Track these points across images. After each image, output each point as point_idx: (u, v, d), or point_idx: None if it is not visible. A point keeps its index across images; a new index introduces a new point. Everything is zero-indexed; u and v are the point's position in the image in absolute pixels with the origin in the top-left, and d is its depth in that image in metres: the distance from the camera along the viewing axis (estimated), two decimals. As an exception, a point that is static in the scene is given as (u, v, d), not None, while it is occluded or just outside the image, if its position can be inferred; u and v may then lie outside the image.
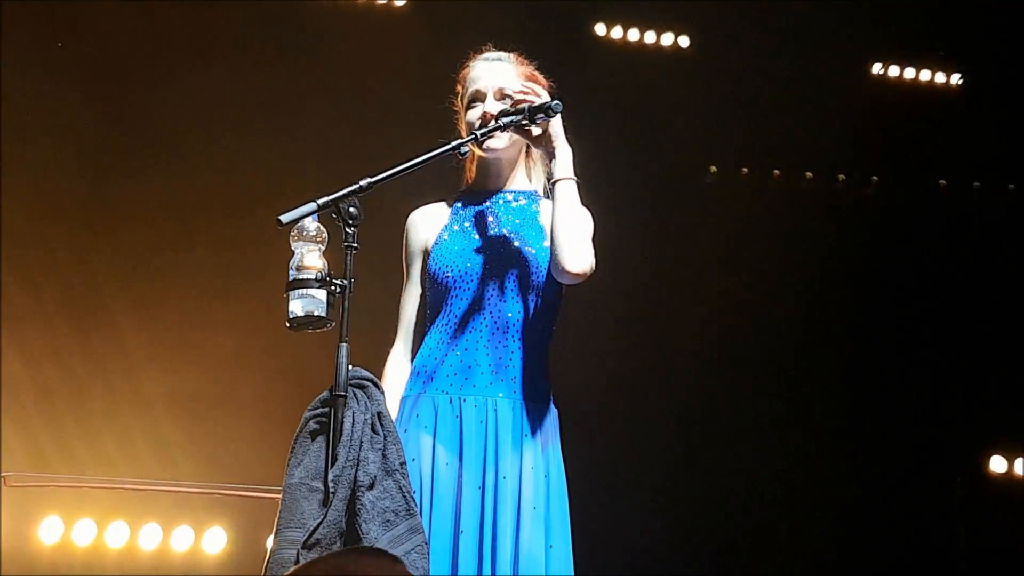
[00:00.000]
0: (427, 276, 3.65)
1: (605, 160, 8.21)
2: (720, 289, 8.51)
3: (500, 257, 3.60)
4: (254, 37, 7.88)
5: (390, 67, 7.71)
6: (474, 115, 3.66)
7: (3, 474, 6.73)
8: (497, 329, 3.56)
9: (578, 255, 3.50)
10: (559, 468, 3.58)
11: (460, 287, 3.58)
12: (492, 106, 3.64)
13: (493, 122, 3.55)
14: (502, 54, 3.77)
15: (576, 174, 3.58)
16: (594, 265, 3.54)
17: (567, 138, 3.59)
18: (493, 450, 3.49)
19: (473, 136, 3.50)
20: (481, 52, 3.79)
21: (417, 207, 3.80)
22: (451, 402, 3.52)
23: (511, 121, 3.50)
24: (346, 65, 7.96)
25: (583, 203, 3.63)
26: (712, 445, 8.41)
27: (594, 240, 3.62)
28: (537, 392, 3.59)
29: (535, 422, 3.56)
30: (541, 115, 3.47)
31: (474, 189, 3.76)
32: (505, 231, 3.65)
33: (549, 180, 3.62)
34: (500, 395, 3.52)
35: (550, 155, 3.58)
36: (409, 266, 3.73)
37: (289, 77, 7.92)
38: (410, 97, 6.92)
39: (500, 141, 3.64)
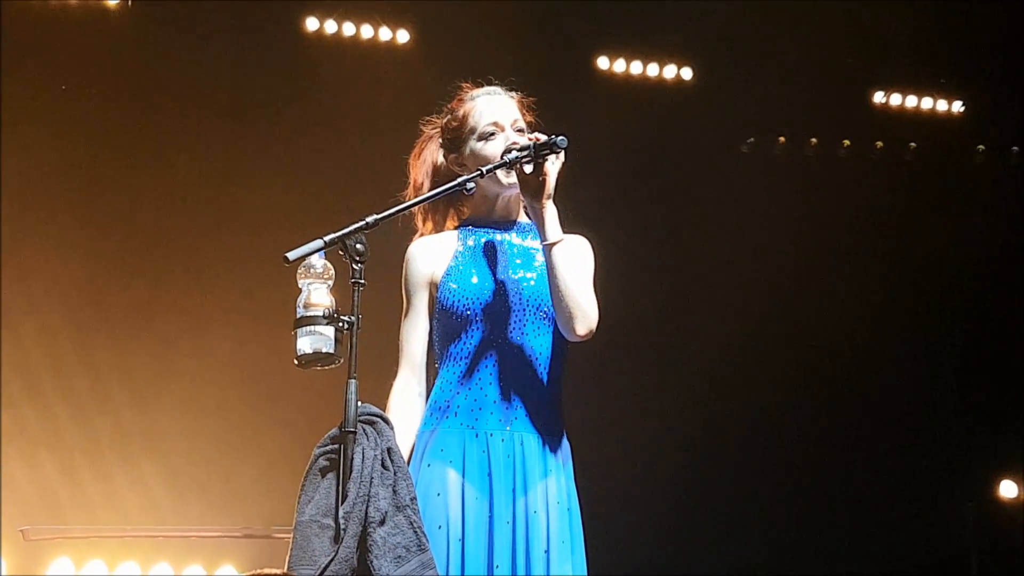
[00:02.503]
0: (438, 309, 3.61)
1: (608, 195, 8.27)
2: (726, 323, 8.54)
3: (515, 288, 3.59)
4: (259, 75, 7.94)
5: (395, 103, 7.73)
6: (496, 148, 3.61)
7: (21, 528, 6.73)
8: (516, 363, 3.55)
9: (583, 318, 3.50)
10: (576, 502, 3.59)
11: (476, 320, 3.56)
12: (515, 137, 3.61)
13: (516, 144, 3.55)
14: (495, 88, 3.74)
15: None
16: (598, 317, 3.53)
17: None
18: (522, 485, 3.49)
19: (480, 172, 3.45)
20: (478, 86, 3.76)
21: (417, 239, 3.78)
22: (477, 436, 3.51)
23: (516, 158, 3.48)
24: (352, 102, 8.01)
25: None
26: (718, 465, 8.44)
27: (598, 275, 3.63)
28: (556, 426, 3.59)
29: (556, 456, 3.56)
30: (546, 151, 3.44)
31: (479, 221, 3.73)
32: (519, 264, 3.64)
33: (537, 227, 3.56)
34: (525, 430, 3.52)
35: (534, 201, 3.51)
36: (412, 297, 3.67)
37: (295, 116, 7.97)
38: (415, 133, 6.96)
39: (515, 177, 3.60)
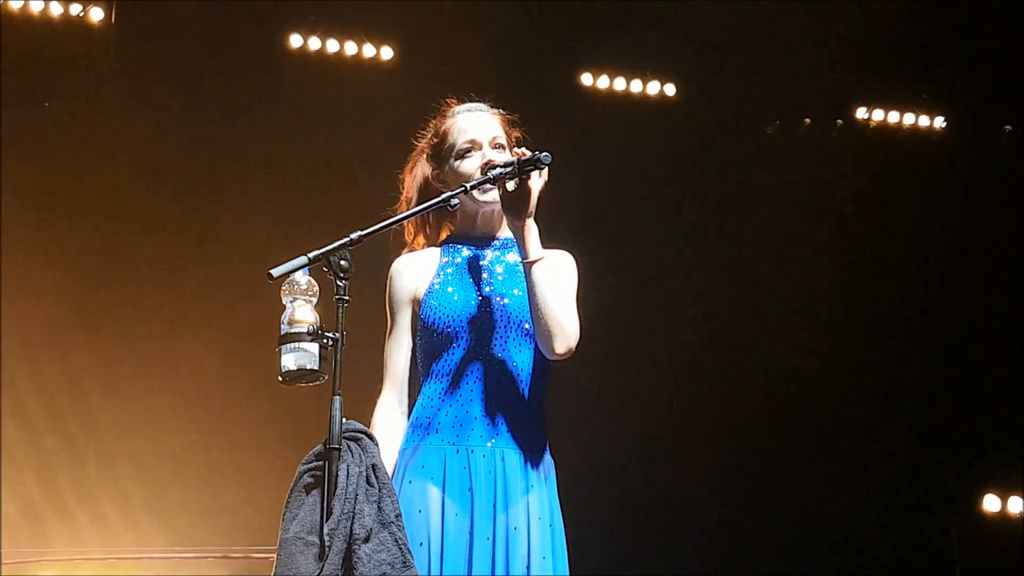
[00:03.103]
0: (421, 325, 3.61)
1: (592, 208, 8.29)
2: (713, 333, 8.56)
3: (497, 305, 3.59)
4: (244, 92, 7.95)
5: (379, 120, 7.76)
6: (471, 165, 3.62)
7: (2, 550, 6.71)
8: (499, 379, 3.55)
9: (562, 337, 3.50)
10: (560, 518, 3.57)
11: (459, 336, 3.56)
12: (492, 154, 3.62)
13: (480, 174, 3.55)
14: (478, 104, 3.75)
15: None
16: (578, 335, 3.54)
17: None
18: (503, 501, 3.48)
19: (463, 188, 3.46)
20: (459, 103, 3.76)
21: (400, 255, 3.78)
22: (458, 453, 3.51)
23: (500, 173, 3.47)
24: (336, 119, 8.03)
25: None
26: (700, 479, 8.46)
27: (583, 290, 3.64)
28: (539, 442, 3.59)
29: (538, 472, 3.55)
30: (531, 167, 3.43)
31: (461, 237, 3.73)
32: (501, 280, 3.64)
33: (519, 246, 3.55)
34: (506, 446, 3.52)
35: (515, 219, 3.51)
36: (396, 314, 3.67)
37: (277, 132, 7.99)
38: (399, 149, 6.95)
39: (495, 194, 3.61)
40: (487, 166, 3.57)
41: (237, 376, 7.46)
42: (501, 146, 3.66)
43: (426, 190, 3.74)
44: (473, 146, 3.65)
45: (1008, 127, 8.97)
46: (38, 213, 7.57)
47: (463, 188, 3.47)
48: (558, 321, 3.50)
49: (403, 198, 3.80)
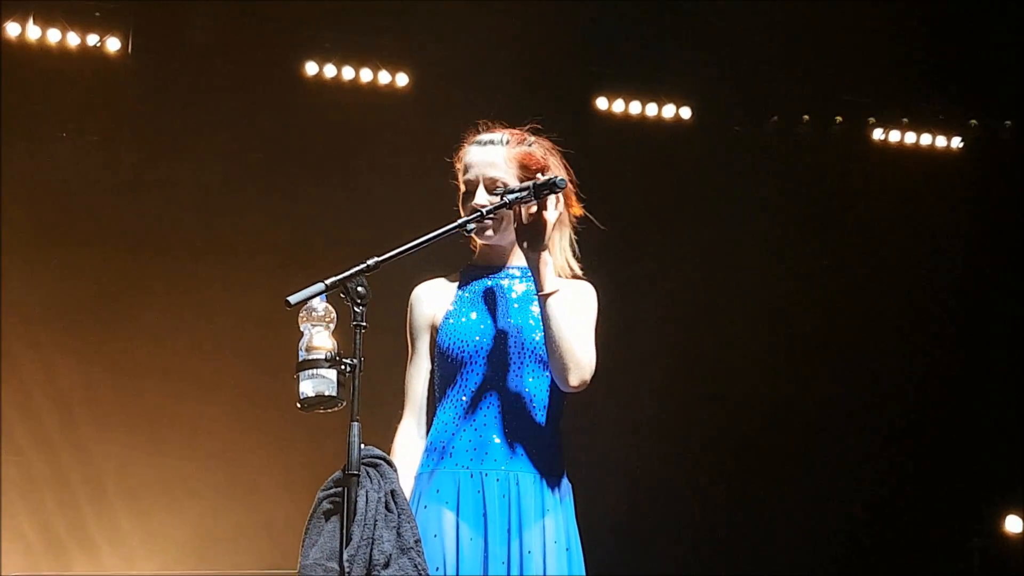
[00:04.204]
0: (437, 352, 3.63)
1: (608, 232, 8.28)
2: (728, 354, 8.55)
3: (512, 333, 3.60)
4: (259, 120, 7.97)
5: (396, 146, 7.79)
6: (469, 203, 3.60)
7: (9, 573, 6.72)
8: (513, 404, 3.55)
9: (576, 370, 3.50)
10: (577, 541, 3.58)
11: (474, 362, 3.57)
12: (482, 199, 3.58)
13: (499, 199, 3.53)
14: (494, 135, 3.69)
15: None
16: (594, 367, 3.53)
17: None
18: (517, 525, 3.48)
19: (461, 224, 3.43)
20: (477, 131, 3.74)
21: (421, 282, 3.79)
22: (472, 477, 3.51)
23: (517, 198, 3.46)
24: (352, 145, 8.05)
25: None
26: (714, 492, 8.44)
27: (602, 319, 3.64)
28: (555, 465, 3.59)
29: (554, 496, 3.56)
30: (546, 191, 3.43)
31: (479, 264, 3.74)
32: (515, 307, 3.64)
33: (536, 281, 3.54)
34: (520, 470, 3.53)
35: (530, 250, 3.51)
36: (415, 340, 3.70)
37: (295, 159, 8.01)
38: (416, 175, 6.99)
39: (491, 232, 3.61)
40: (473, 211, 3.53)
41: (257, 403, 7.47)
42: (500, 186, 3.58)
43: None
44: (468, 187, 3.65)
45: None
46: (53, 240, 7.61)
47: (480, 214, 3.48)
48: (573, 354, 3.49)
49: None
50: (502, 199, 3.51)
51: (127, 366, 7.66)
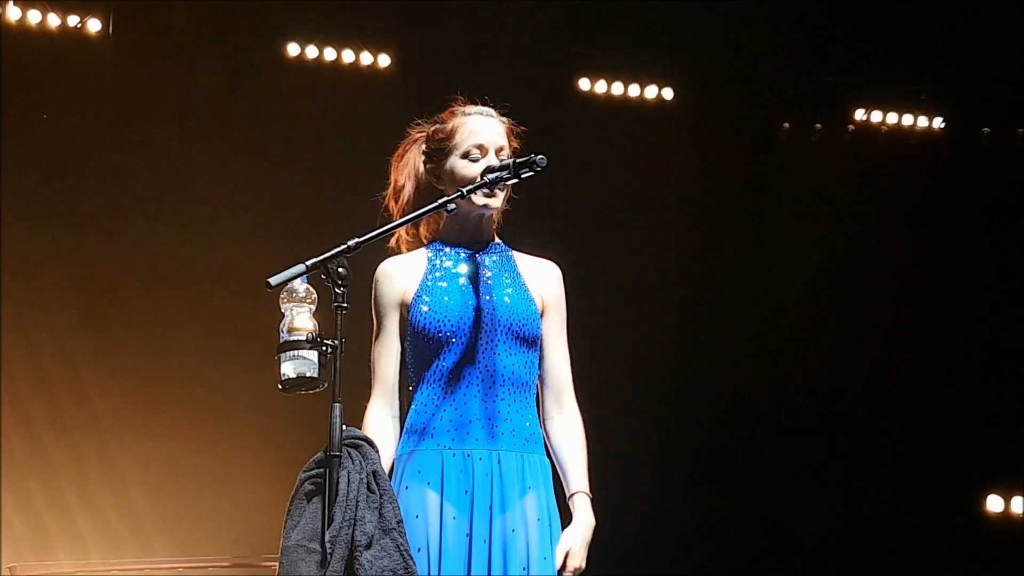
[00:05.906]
0: (410, 331, 3.59)
1: (589, 212, 8.29)
2: (719, 337, 8.57)
3: (487, 310, 3.58)
4: (241, 101, 7.96)
5: (376, 128, 7.75)
6: (474, 169, 3.59)
7: (9, 565, 6.70)
8: (493, 382, 3.55)
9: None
10: (557, 518, 3.58)
11: (452, 342, 3.55)
12: (495, 162, 3.59)
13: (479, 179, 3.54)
14: (492, 111, 3.72)
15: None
16: (576, 407, 3.70)
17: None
18: (500, 503, 3.49)
19: (460, 192, 3.46)
20: (472, 104, 3.73)
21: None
22: (455, 456, 3.51)
23: (497, 177, 3.49)
24: (334, 126, 8.03)
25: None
26: (701, 478, 8.47)
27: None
28: (535, 443, 3.60)
29: (535, 473, 3.56)
30: (526, 170, 3.44)
31: (450, 240, 3.70)
32: (491, 285, 3.63)
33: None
34: (502, 448, 3.53)
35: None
36: (383, 318, 3.63)
37: (276, 140, 7.99)
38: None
39: (499, 200, 3.62)
40: (488, 170, 3.56)
41: (237, 385, 7.47)
42: (502, 157, 3.63)
43: (417, 183, 3.73)
44: (480, 151, 3.63)
45: (987, 129, 8.99)
46: (37, 221, 7.58)
47: (460, 193, 3.48)
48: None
49: (391, 186, 3.78)
50: (482, 177, 3.51)
51: (112, 351, 7.64)
